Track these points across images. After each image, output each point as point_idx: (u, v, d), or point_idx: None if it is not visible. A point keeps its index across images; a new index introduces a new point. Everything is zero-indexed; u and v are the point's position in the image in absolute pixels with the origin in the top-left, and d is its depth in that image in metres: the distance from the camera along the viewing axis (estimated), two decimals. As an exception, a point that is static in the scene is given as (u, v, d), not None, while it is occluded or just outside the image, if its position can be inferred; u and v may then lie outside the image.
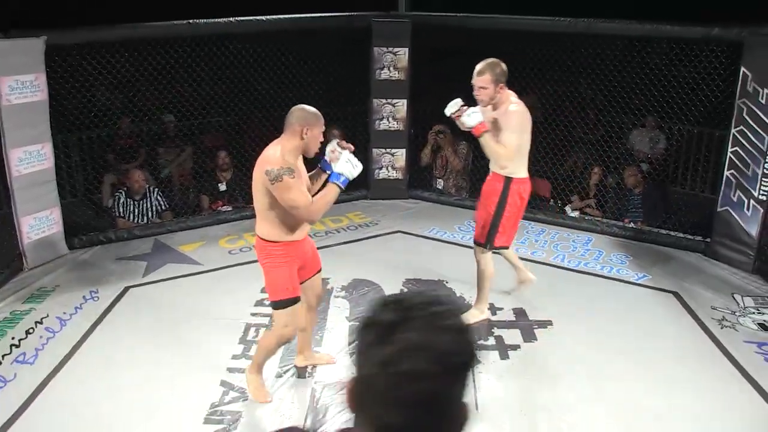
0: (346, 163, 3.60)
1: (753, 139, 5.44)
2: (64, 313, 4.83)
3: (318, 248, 5.97)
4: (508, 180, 4.38)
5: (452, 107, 4.20)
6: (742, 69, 5.43)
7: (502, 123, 4.20)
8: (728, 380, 4.08)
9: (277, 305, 3.66)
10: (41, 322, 4.69)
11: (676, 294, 5.20)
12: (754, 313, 4.92)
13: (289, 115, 3.52)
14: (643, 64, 6.22)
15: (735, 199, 5.63)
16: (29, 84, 5.29)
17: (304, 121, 3.46)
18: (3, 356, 4.26)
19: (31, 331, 4.58)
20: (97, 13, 7.15)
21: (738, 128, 5.53)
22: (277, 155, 3.43)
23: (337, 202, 7.00)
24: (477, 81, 4.18)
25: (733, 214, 5.66)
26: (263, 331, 4.55)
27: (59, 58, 5.66)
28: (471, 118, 4.12)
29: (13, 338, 4.48)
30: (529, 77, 6.45)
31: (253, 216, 6.54)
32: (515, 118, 4.20)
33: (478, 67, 4.19)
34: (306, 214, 3.50)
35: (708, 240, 5.96)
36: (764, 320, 4.80)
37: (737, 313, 4.89)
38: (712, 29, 5.51)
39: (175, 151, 7.32)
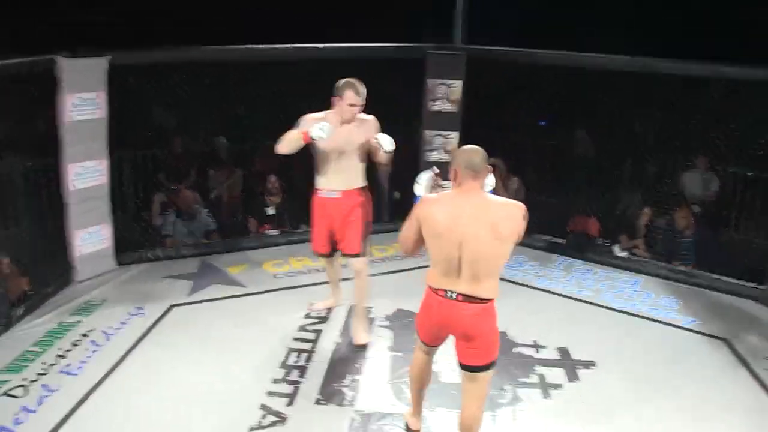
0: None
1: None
2: (110, 327, 4.90)
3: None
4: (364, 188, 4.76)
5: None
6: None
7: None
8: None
9: (489, 367, 3.29)
10: (87, 335, 4.77)
11: (727, 341, 5.04)
12: (809, 365, 4.74)
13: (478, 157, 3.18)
14: (699, 104, 6.10)
15: (792, 247, 5.47)
16: (91, 102, 5.43)
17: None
18: (50, 366, 4.33)
19: (77, 343, 4.66)
20: (158, 32, 7.32)
21: (796, 174, 5.39)
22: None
23: (385, 231, 7.14)
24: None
25: (790, 261, 5.50)
26: (305, 356, 4.56)
27: (119, 77, 5.81)
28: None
29: (60, 349, 4.55)
30: (581, 113, 6.40)
31: (301, 241, 6.69)
32: None
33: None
34: None
35: (762, 287, 5.78)
36: (821, 374, 4.62)
37: (792, 365, 4.72)
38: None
39: (226, 172, 7.42)
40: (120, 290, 5.58)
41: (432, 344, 3.42)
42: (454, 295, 3.12)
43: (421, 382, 3.61)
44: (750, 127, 5.85)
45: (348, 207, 4.63)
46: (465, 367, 3.26)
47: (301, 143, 4.37)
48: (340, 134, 4.41)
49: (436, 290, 3.19)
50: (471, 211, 3.07)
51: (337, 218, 4.64)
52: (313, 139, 4.30)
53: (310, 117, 4.43)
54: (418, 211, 3.20)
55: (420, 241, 3.23)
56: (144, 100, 6.28)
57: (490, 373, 3.26)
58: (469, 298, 3.10)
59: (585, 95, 6.64)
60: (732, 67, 5.64)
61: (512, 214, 3.12)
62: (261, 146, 7.34)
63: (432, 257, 3.18)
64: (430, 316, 3.28)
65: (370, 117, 4.55)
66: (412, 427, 3.74)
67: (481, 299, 3.11)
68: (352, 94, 4.35)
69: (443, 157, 7.13)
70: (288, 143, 4.40)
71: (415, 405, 3.72)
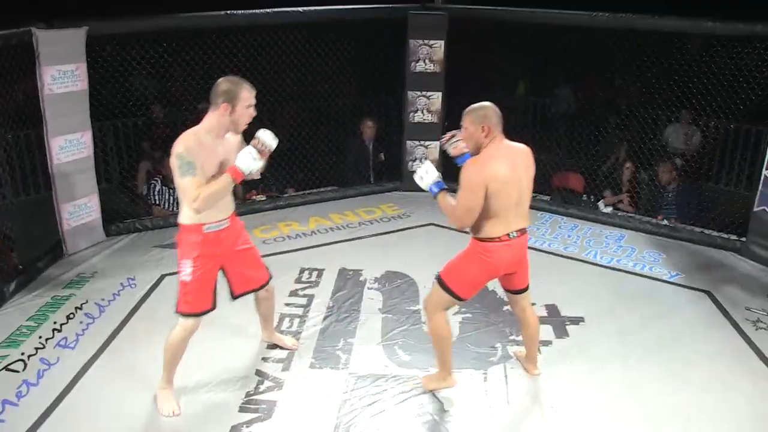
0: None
1: (793, 138, 5.37)
2: (103, 299, 4.93)
3: (350, 240, 6.12)
4: None
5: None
6: (785, 67, 5.35)
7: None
8: (761, 382, 4.05)
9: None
10: (81, 308, 4.80)
11: (709, 293, 5.17)
12: (789, 314, 4.87)
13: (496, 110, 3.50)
14: (681, 59, 6.14)
15: (773, 199, 5.57)
16: (70, 74, 5.37)
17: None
18: (46, 340, 4.37)
19: (71, 316, 4.69)
20: (134, 3, 7.22)
21: (778, 126, 5.46)
22: None
23: (371, 193, 7.17)
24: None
25: (771, 213, 5.60)
26: (297, 321, 4.63)
27: (99, 48, 5.75)
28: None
29: (55, 323, 4.59)
30: (564, 71, 6.42)
31: (288, 206, 6.73)
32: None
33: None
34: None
35: (743, 239, 5.90)
36: (800, 322, 4.76)
37: (773, 314, 4.86)
38: (755, 26, 5.41)
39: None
40: (110, 262, 5.61)
41: (469, 298, 3.74)
42: (515, 234, 3.51)
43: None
44: (730, 81, 5.90)
45: (238, 232, 3.77)
46: (521, 291, 3.81)
47: (231, 186, 3.45)
48: (224, 148, 3.48)
49: (496, 239, 3.47)
50: (516, 158, 3.48)
51: (232, 250, 3.72)
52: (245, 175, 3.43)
53: (188, 147, 3.30)
54: (481, 177, 3.34)
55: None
56: (125, 70, 6.22)
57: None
58: (522, 231, 3.55)
59: (568, 52, 6.66)
60: (712, 23, 5.66)
61: (531, 155, 3.58)
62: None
63: (490, 212, 3.41)
64: (491, 267, 3.55)
65: None
66: (452, 384, 3.87)
67: (526, 229, 3.59)
68: (249, 94, 3.43)
69: (427, 117, 7.15)
70: (216, 196, 3.38)
71: (449, 364, 3.84)
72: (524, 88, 8.36)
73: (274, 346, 4.33)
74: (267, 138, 3.47)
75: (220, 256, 3.63)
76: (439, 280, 3.64)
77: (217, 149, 3.42)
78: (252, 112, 3.46)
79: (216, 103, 3.38)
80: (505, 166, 3.39)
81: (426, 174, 3.60)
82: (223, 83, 3.40)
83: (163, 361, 3.69)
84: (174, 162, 3.29)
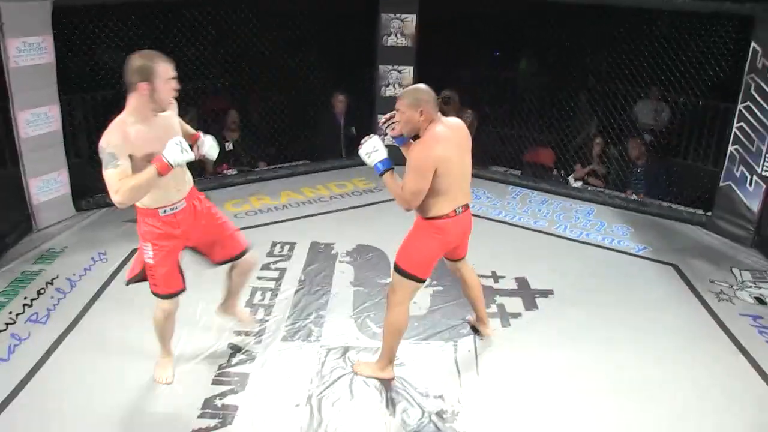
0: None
1: (759, 115, 5.46)
2: (74, 274, 4.90)
3: (322, 214, 6.13)
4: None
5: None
6: (753, 44, 5.43)
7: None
8: (723, 352, 4.17)
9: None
10: (51, 283, 4.77)
11: (675, 266, 5.28)
12: (751, 287, 5.00)
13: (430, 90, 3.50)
14: (650, 35, 6.19)
15: (738, 175, 5.68)
16: (36, 46, 5.29)
17: None
18: (17, 315, 4.35)
19: (42, 291, 4.66)
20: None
21: (745, 104, 5.55)
22: None
23: (343, 167, 7.17)
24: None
25: (735, 189, 5.72)
26: (269, 294, 4.65)
27: (66, 20, 5.65)
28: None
29: (25, 298, 4.56)
30: (533, 45, 6.45)
31: (259, 180, 6.71)
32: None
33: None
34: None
35: (709, 214, 6.02)
36: (761, 294, 4.89)
37: (735, 287, 4.98)
38: (724, 3, 5.47)
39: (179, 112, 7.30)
40: (81, 237, 5.57)
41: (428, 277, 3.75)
42: (460, 210, 3.58)
43: None
44: (699, 58, 5.97)
45: (202, 209, 3.62)
46: (461, 259, 3.97)
47: (156, 178, 3.15)
48: (158, 128, 3.25)
49: (445, 216, 3.52)
50: (457, 136, 3.51)
51: (195, 229, 3.57)
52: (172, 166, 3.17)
53: (109, 140, 3.10)
54: (430, 160, 3.33)
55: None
56: (92, 43, 6.12)
57: None
58: (466, 206, 3.63)
59: (538, 27, 6.68)
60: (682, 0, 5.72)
61: (467, 129, 3.62)
62: (212, 85, 7.25)
63: (438, 191, 3.42)
64: (444, 243, 3.62)
65: None
66: (390, 377, 3.82)
67: (469, 204, 3.67)
68: (166, 66, 3.19)
69: (398, 92, 7.14)
70: (141, 189, 3.15)
71: (394, 356, 3.81)
72: (525, 65, 8.25)
73: (246, 319, 4.34)
74: (208, 148, 3.54)
75: (181, 237, 3.50)
76: (398, 269, 3.61)
77: (148, 133, 3.18)
78: (174, 85, 3.22)
79: (132, 84, 3.14)
80: (450, 146, 3.41)
81: (374, 152, 3.52)
82: (135, 59, 3.13)
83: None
84: (99, 155, 3.11)
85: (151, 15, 6.18)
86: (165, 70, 3.17)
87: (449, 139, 3.42)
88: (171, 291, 3.57)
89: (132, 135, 3.13)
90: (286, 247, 5.42)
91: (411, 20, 6.92)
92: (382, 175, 3.52)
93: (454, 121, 3.56)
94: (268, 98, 7.36)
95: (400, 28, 6.97)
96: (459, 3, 6.83)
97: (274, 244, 5.45)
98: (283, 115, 7.34)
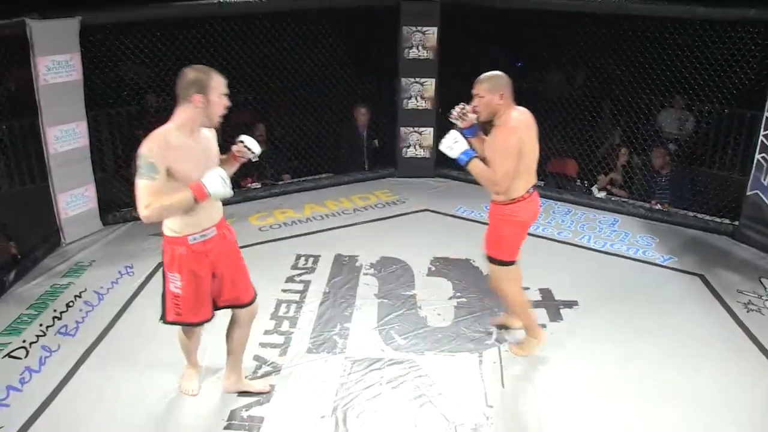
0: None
1: (787, 122, 5.40)
2: (102, 287, 4.98)
3: (346, 226, 6.16)
4: None
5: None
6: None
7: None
8: (753, 364, 4.12)
9: None
10: (80, 296, 4.85)
11: (702, 277, 5.23)
12: (780, 296, 4.94)
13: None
14: (674, 44, 6.16)
15: (766, 183, 5.61)
16: (65, 64, 5.40)
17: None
18: (47, 327, 4.43)
19: (71, 304, 4.74)
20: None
21: (772, 111, 5.49)
22: None
23: (366, 180, 7.20)
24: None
25: (763, 197, 5.65)
26: (294, 306, 4.68)
27: (92, 38, 5.76)
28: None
29: (55, 311, 4.64)
30: (558, 57, 6.44)
31: (283, 194, 6.76)
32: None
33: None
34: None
35: (736, 223, 5.95)
36: (791, 304, 4.82)
37: (764, 297, 4.91)
38: (749, 11, 5.43)
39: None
40: (108, 250, 5.64)
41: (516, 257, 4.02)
42: (532, 190, 3.83)
43: None
44: (723, 66, 5.93)
45: (230, 243, 3.46)
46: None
47: (191, 204, 3.07)
48: (199, 148, 3.18)
49: (522, 197, 3.78)
50: (530, 121, 3.76)
51: (221, 262, 3.39)
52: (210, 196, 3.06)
53: (152, 149, 2.98)
54: (516, 140, 3.60)
55: None
56: (118, 59, 6.22)
57: None
58: (535, 187, 3.87)
59: (561, 38, 6.67)
60: (705, 8, 5.68)
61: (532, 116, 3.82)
62: (238, 100, 7.32)
63: (518, 172, 3.66)
64: (522, 224, 3.90)
65: None
66: (543, 338, 4.20)
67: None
68: (221, 81, 3.13)
69: (420, 104, 7.18)
70: (171, 211, 3.09)
71: (535, 323, 4.23)
72: (554, 78, 8.24)
73: (271, 332, 4.37)
74: (251, 143, 3.35)
75: (210, 265, 3.32)
76: (492, 260, 3.96)
77: (193, 148, 3.10)
78: (226, 102, 3.15)
79: (186, 96, 3.05)
80: (528, 128, 3.70)
81: (455, 144, 3.69)
82: (190, 72, 3.07)
83: None
84: (137, 161, 2.98)
85: (176, 31, 6.25)
86: (220, 85, 3.11)
87: (525, 122, 3.70)
88: (197, 320, 3.45)
89: (174, 147, 3.02)
90: (311, 259, 5.45)
91: (432, 33, 6.94)
92: (466, 164, 3.70)
93: (523, 108, 3.77)
94: (291, 112, 7.41)
95: (421, 41, 7.00)
96: (480, 16, 6.84)
97: (298, 257, 5.48)
98: (307, 128, 7.38)
